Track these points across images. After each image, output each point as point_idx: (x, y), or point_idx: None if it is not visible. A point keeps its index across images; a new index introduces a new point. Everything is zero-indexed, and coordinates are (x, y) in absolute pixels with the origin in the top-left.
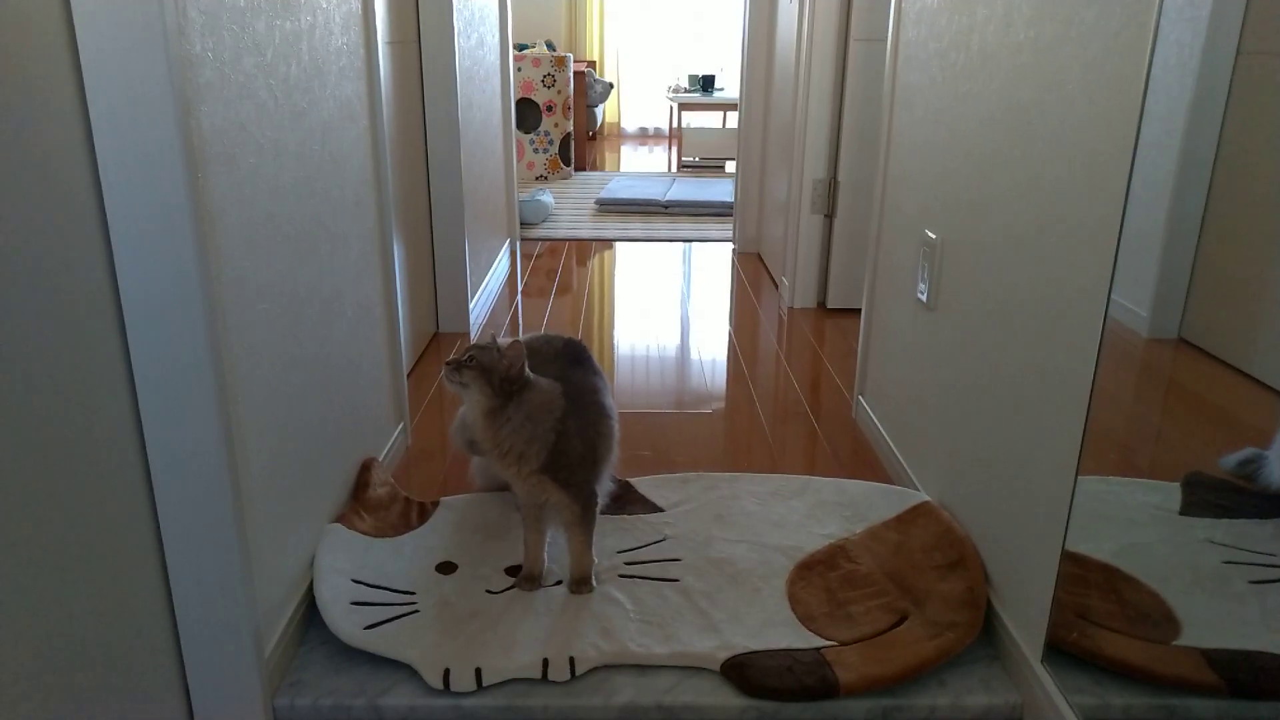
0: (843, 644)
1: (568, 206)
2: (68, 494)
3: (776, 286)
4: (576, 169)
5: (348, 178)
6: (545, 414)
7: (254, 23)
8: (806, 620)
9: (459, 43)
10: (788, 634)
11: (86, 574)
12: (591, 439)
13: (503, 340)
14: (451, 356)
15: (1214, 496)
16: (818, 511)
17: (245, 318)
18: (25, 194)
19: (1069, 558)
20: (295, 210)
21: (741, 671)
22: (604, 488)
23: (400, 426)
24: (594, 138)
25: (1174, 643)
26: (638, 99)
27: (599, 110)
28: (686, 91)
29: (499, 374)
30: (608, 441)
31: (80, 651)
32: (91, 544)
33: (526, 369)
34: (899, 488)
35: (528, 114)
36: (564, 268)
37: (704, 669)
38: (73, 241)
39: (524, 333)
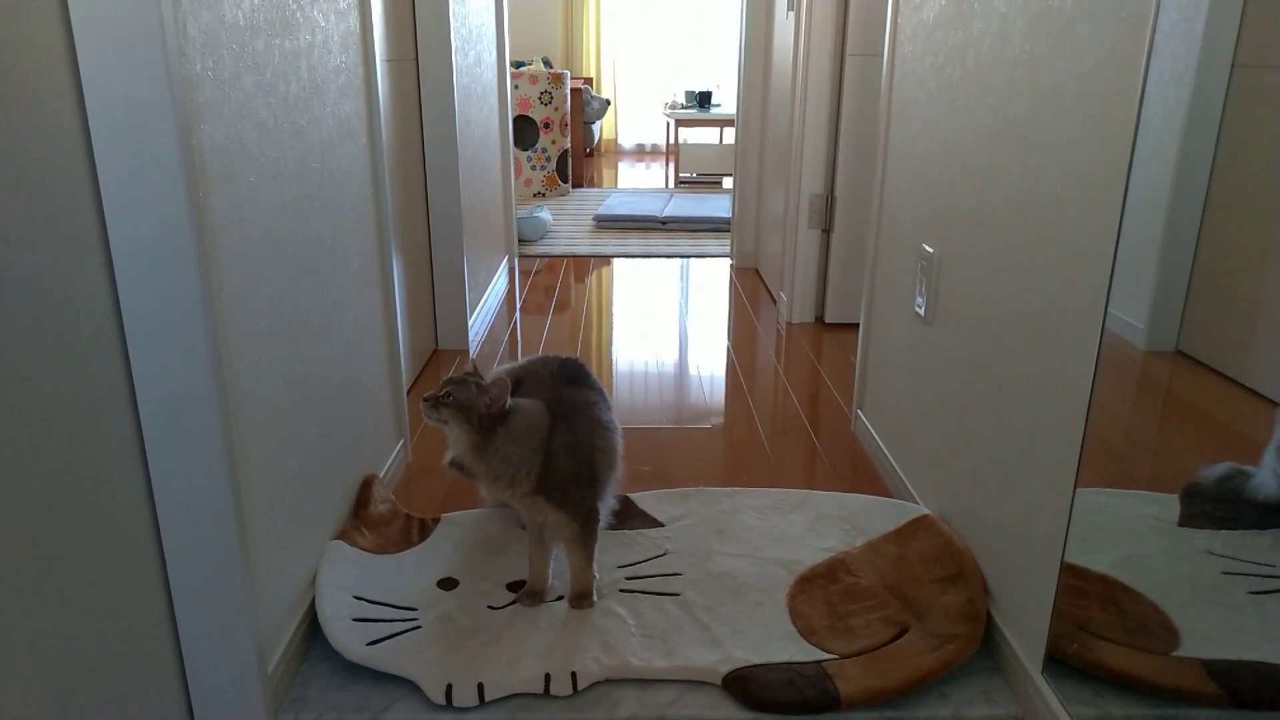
0: (844, 657)
1: (565, 223)
2: (70, 512)
3: (774, 301)
4: (574, 186)
5: (347, 195)
6: (531, 436)
7: (253, 42)
8: (807, 633)
9: (457, 60)
10: (789, 647)
11: (89, 592)
12: (585, 455)
13: (501, 368)
14: (429, 393)
15: (1212, 508)
16: (817, 525)
17: (246, 335)
18: (27, 214)
19: (1068, 569)
20: (295, 228)
21: (743, 685)
22: (606, 504)
23: (400, 443)
24: (591, 154)
25: (1174, 653)
26: (635, 115)
27: (596, 127)
28: (683, 108)
29: (478, 411)
30: (608, 457)
31: (83, 669)
32: (94, 562)
33: (508, 402)
34: (898, 501)
35: (525, 131)
36: (562, 284)
37: (706, 683)
38: (74, 260)
39: (522, 352)
